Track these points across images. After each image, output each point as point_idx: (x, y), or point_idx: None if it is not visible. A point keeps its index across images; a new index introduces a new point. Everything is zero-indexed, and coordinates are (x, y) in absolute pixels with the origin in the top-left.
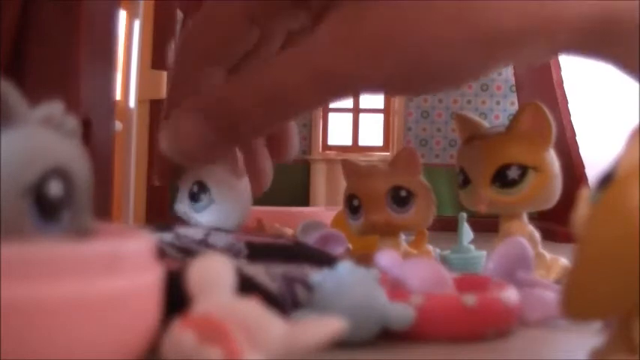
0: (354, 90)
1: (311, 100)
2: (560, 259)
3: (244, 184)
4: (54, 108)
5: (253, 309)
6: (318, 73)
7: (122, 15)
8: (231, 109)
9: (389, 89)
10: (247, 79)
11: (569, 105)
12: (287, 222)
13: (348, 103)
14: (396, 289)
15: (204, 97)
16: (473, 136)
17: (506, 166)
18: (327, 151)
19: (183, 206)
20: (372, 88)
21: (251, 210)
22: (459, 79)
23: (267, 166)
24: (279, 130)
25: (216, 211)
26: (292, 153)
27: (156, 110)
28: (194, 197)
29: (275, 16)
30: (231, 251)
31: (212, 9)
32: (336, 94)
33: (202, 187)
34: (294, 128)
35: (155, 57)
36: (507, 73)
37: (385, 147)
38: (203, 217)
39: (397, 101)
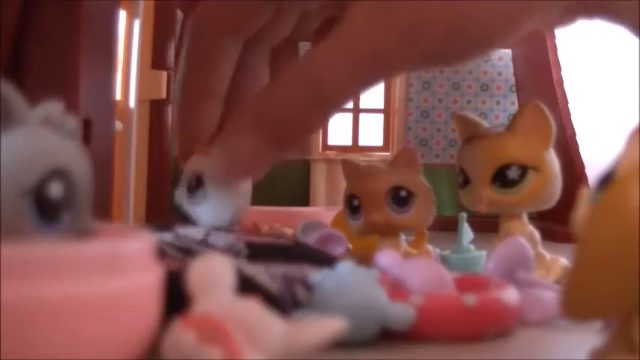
0: (397, 69)
1: (355, 88)
2: (560, 259)
3: (244, 183)
4: (54, 108)
5: (253, 309)
6: (361, 59)
7: (122, 15)
8: (280, 115)
9: (428, 63)
10: (288, 79)
11: (569, 105)
12: (287, 222)
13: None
14: (396, 289)
15: (250, 111)
16: (473, 136)
17: (506, 166)
18: (327, 151)
19: (181, 194)
20: (413, 64)
21: (249, 209)
22: (491, 43)
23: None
24: None
25: (209, 207)
26: (310, 146)
27: (156, 110)
28: (191, 189)
29: None
30: (231, 251)
31: None
32: (379, 77)
33: (200, 182)
34: None
35: (155, 57)
36: (507, 73)
37: (385, 147)
38: (197, 210)
39: (397, 101)
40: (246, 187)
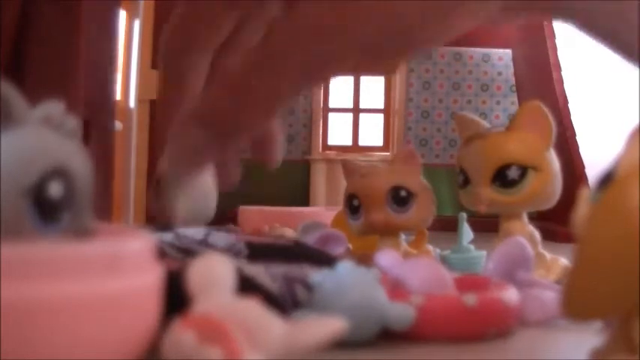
0: (333, 71)
1: (290, 91)
2: (560, 259)
3: (204, 181)
4: (54, 108)
5: (253, 309)
6: (296, 63)
7: (122, 15)
8: (214, 113)
9: (363, 65)
10: (220, 80)
11: (569, 105)
12: (287, 222)
13: (348, 103)
14: (396, 289)
15: (192, 109)
16: (473, 136)
17: (506, 166)
18: (327, 151)
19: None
20: (348, 66)
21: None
22: (422, 41)
23: (278, 132)
24: (264, 132)
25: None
26: (278, 156)
27: (156, 110)
28: (159, 183)
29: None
30: (231, 251)
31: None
32: (312, 81)
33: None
34: (279, 130)
35: (155, 57)
36: (507, 73)
37: (385, 147)
38: (158, 204)
39: (397, 101)
40: (206, 185)
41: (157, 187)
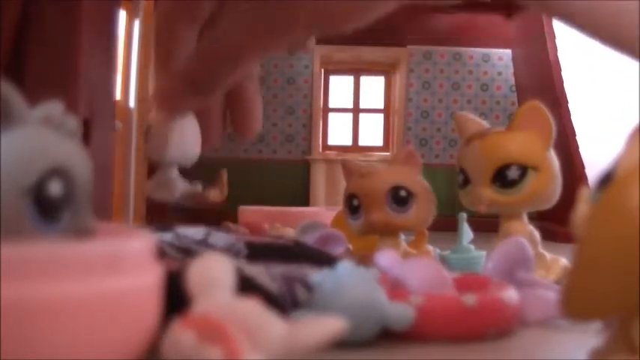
0: (282, 39)
1: (247, 56)
2: (560, 259)
3: (189, 128)
4: (54, 108)
5: (253, 309)
6: (252, 31)
7: (122, 15)
8: (195, 67)
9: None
10: (204, 45)
11: (569, 105)
12: (287, 222)
13: (348, 103)
14: (396, 289)
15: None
16: (473, 136)
17: (506, 166)
18: (327, 151)
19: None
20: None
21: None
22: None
23: (256, 106)
24: (243, 103)
25: (152, 144)
26: (256, 126)
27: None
28: (147, 130)
29: None
30: (231, 251)
31: None
32: (266, 52)
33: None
34: (258, 102)
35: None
36: (507, 73)
37: (385, 147)
38: (146, 146)
39: (397, 101)
40: (190, 131)
41: (147, 132)
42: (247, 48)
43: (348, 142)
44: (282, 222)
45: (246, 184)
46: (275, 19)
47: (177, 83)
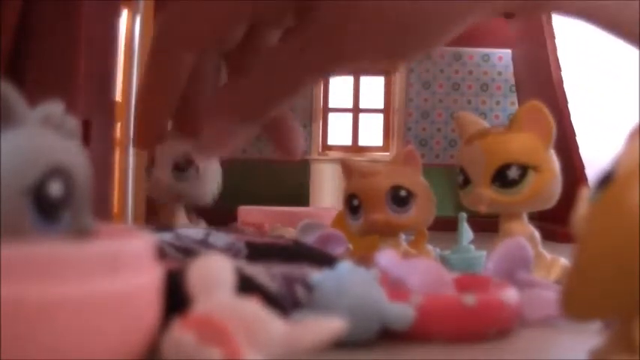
0: (348, 68)
1: (306, 80)
2: (560, 259)
3: (215, 164)
4: (54, 108)
5: (253, 309)
6: (314, 60)
7: (123, 14)
8: (244, 98)
9: (379, 58)
10: (257, 72)
11: (569, 105)
12: (287, 222)
13: (348, 103)
14: (396, 289)
15: (223, 98)
16: (473, 136)
17: (506, 166)
18: (327, 151)
19: (161, 172)
20: (367, 60)
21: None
22: (439, 38)
23: (296, 124)
24: (285, 127)
25: (198, 184)
26: (299, 149)
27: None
28: (180, 168)
29: (265, 15)
30: (231, 251)
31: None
32: (328, 74)
33: (189, 161)
34: (297, 125)
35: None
36: (507, 73)
37: (385, 147)
38: (183, 186)
39: (397, 101)
40: (217, 167)
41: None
42: (308, 76)
43: (348, 142)
44: (281, 222)
45: (246, 184)
46: (342, 49)
47: (230, 117)
